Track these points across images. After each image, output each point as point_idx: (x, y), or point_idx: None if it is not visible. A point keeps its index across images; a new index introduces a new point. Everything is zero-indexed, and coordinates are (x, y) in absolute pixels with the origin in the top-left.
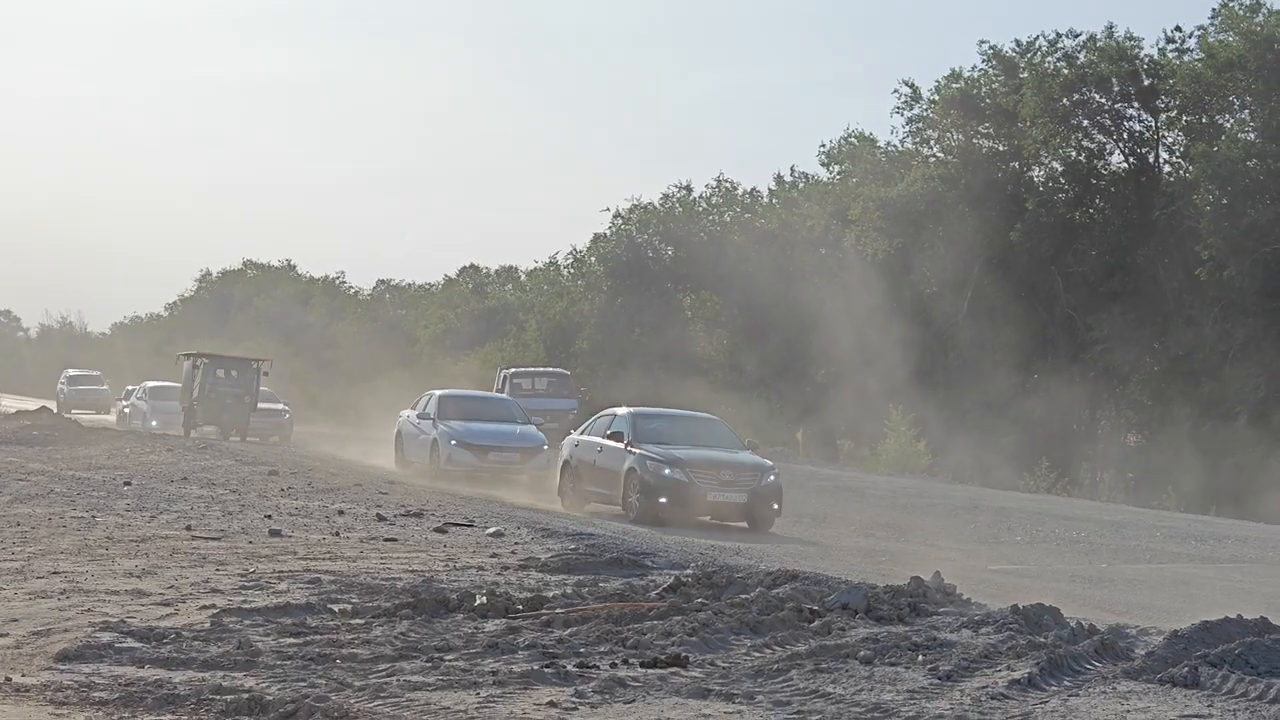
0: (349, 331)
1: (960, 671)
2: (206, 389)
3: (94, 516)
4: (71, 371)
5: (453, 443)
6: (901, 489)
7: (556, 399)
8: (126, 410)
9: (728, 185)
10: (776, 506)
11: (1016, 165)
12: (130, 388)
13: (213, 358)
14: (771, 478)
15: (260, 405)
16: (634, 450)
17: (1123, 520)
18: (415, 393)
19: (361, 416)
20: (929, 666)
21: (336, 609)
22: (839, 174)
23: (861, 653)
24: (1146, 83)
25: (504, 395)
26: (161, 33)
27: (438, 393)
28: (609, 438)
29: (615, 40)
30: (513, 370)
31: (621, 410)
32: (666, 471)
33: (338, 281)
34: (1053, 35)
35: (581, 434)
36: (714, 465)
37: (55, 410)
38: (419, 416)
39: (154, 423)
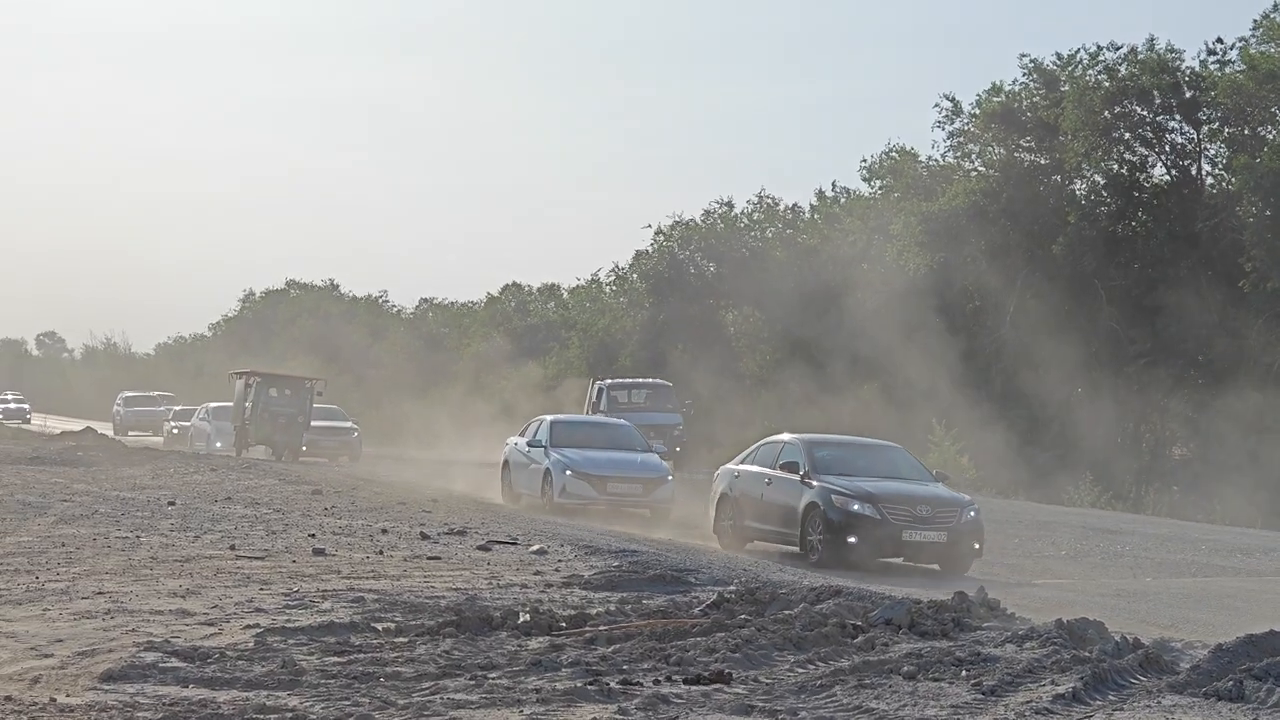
0: (392, 350)
1: (1004, 686)
2: (259, 408)
3: (138, 537)
4: (128, 393)
5: (568, 473)
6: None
7: (658, 413)
8: (175, 431)
9: (769, 201)
10: (977, 546)
11: (1058, 179)
12: (177, 408)
13: (265, 376)
14: (972, 514)
15: (328, 424)
16: (813, 482)
17: (1168, 534)
18: (461, 410)
19: (427, 435)
20: (973, 682)
21: (380, 627)
22: (880, 189)
23: (905, 668)
24: (1188, 95)
25: (622, 420)
26: (205, 50)
27: (549, 418)
28: (782, 468)
29: (656, 57)
30: (609, 382)
31: (791, 437)
32: (856, 507)
33: (380, 300)
34: (1093, 48)
35: (742, 464)
36: (908, 500)
37: (111, 433)
38: (529, 444)
39: (218, 444)
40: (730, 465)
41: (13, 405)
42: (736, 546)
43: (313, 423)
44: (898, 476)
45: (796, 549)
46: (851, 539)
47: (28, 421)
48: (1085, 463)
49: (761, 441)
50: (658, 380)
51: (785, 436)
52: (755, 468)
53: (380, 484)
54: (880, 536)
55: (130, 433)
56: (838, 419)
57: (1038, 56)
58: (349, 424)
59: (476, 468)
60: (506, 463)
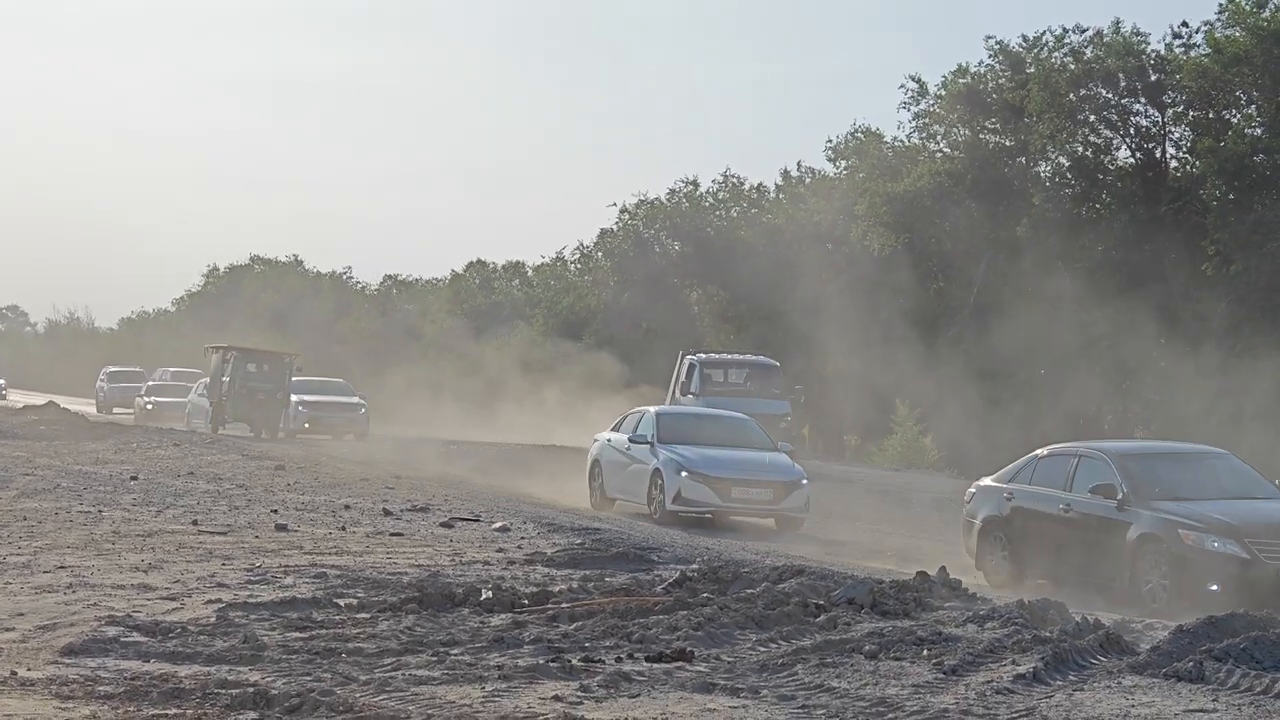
0: (356, 326)
1: (965, 666)
2: (236, 384)
3: (100, 511)
4: (111, 368)
5: (683, 475)
6: (907, 484)
7: (762, 399)
8: (149, 406)
9: (734, 180)
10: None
11: (1023, 160)
12: (151, 382)
13: (243, 351)
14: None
15: (333, 399)
16: (1143, 510)
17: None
18: (427, 389)
19: (409, 413)
20: (934, 661)
21: (342, 603)
22: (845, 169)
23: (866, 647)
24: (1153, 78)
25: (740, 415)
26: (168, 28)
27: (653, 409)
28: (1096, 491)
29: (622, 36)
30: (703, 357)
31: (1102, 446)
32: (1216, 545)
33: (345, 277)
34: (1059, 31)
35: (1014, 481)
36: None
37: (95, 410)
38: (631, 440)
39: (305, 424)
40: (986, 481)
41: None
42: (1010, 584)
43: (316, 398)
44: (1240, 494)
45: (1107, 587)
46: (1214, 586)
47: (4, 398)
48: (1048, 444)
49: (1034, 455)
50: (762, 357)
51: (1085, 446)
52: (1041, 488)
53: (342, 460)
54: (1252, 582)
55: (115, 410)
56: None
57: (1004, 38)
58: (356, 399)
59: (534, 457)
60: (596, 462)
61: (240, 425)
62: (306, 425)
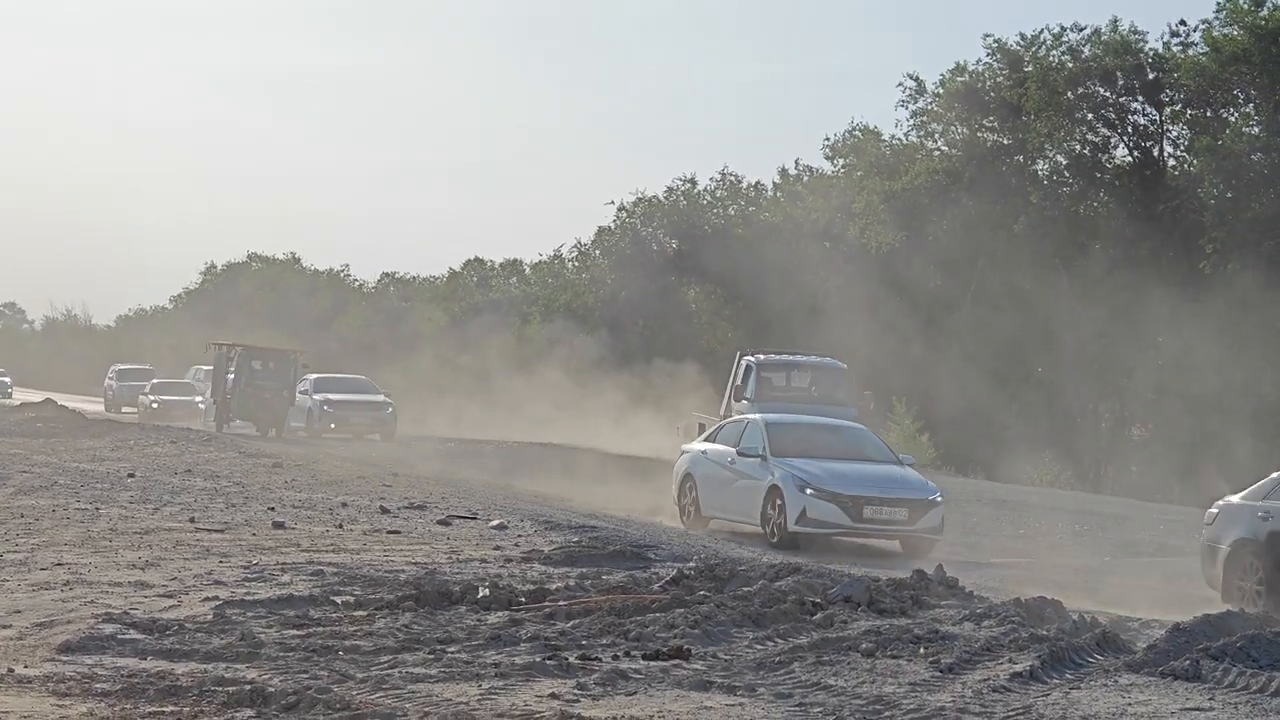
0: (353, 324)
1: (962, 664)
2: (241, 382)
3: (97, 508)
4: (120, 366)
5: (808, 492)
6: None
7: (828, 405)
8: (155, 405)
9: (732, 178)
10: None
11: (1021, 159)
12: (155, 380)
13: (248, 348)
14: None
15: (357, 397)
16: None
17: (1126, 513)
18: (424, 387)
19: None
20: (931, 659)
21: (339, 601)
22: (843, 167)
23: (863, 645)
24: (1151, 76)
25: (858, 425)
26: (166, 25)
27: (762, 418)
28: None
29: (620, 34)
30: (761, 358)
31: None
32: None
33: (342, 274)
34: (1057, 29)
35: (1270, 498)
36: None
37: (104, 409)
38: (741, 453)
39: (331, 425)
40: (1233, 498)
41: None
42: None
43: (340, 396)
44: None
45: None
46: None
47: (9, 396)
48: (1045, 442)
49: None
50: (827, 359)
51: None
52: None
53: (338, 458)
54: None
55: (124, 409)
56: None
57: (1002, 37)
58: (381, 397)
59: (615, 467)
60: (689, 476)
61: (245, 426)
62: (332, 425)
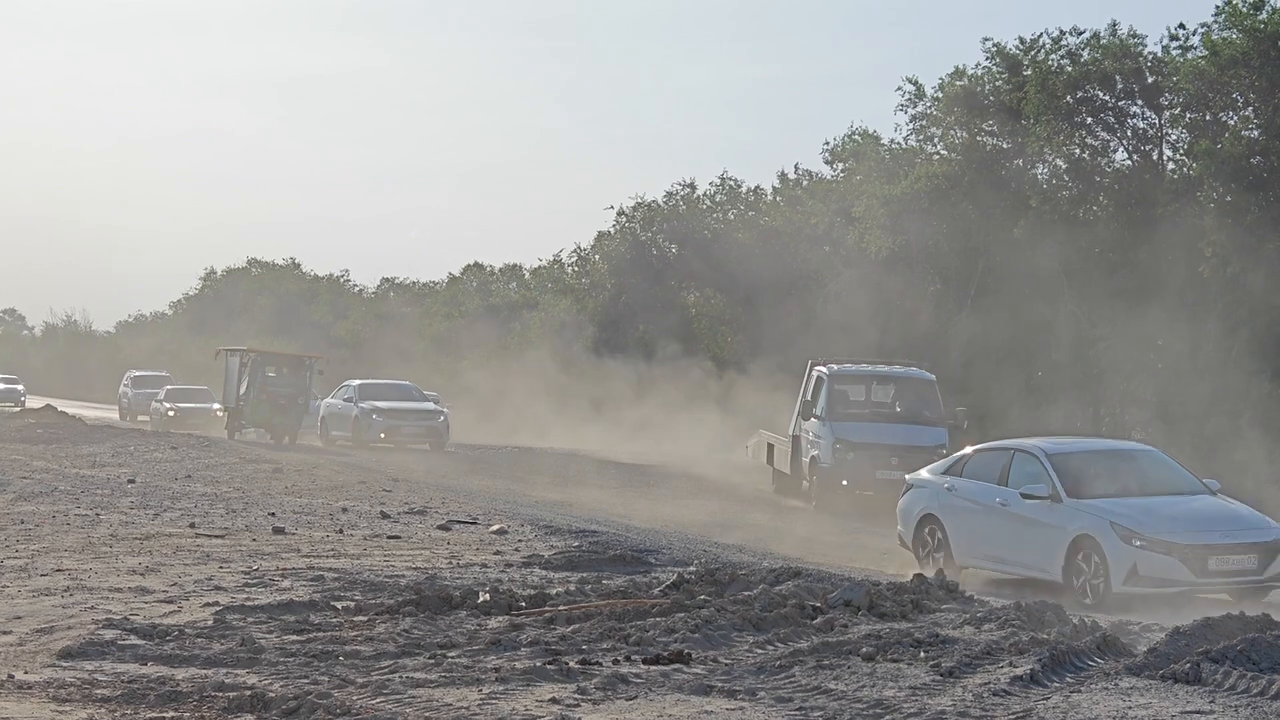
0: (353, 330)
1: (962, 668)
2: (255, 389)
3: (98, 514)
4: (135, 372)
5: (1136, 543)
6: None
7: (914, 425)
8: (171, 413)
9: (731, 183)
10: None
11: (1020, 163)
12: (169, 387)
13: (261, 354)
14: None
15: (407, 405)
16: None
17: None
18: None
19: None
20: (931, 663)
21: (340, 606)
22: (842, 171)
23: (864, 649)
24: (1150, 80)
25: (1150, 448)
26: (164, 27)
27: (1039, 448)
28: None
29: (619, 36)
30: (834, 369)
31: None
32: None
33: (342, 280)
34: (1056, 33)
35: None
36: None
37: (118, 417)
38: (1024, 495)
39: (380, 434)
40: None
41: (2, 387)
42: None
43: (390, 404)
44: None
45: None
46: None
47: (21, 405)
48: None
49: None
50: (913, 369)
51: None
52: None
53: (338, 464)
54: None
55: (140, 418)
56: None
57: (1000, 41)
58: (432, 404)
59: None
60: (930, 517)
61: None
62: (382, 435)
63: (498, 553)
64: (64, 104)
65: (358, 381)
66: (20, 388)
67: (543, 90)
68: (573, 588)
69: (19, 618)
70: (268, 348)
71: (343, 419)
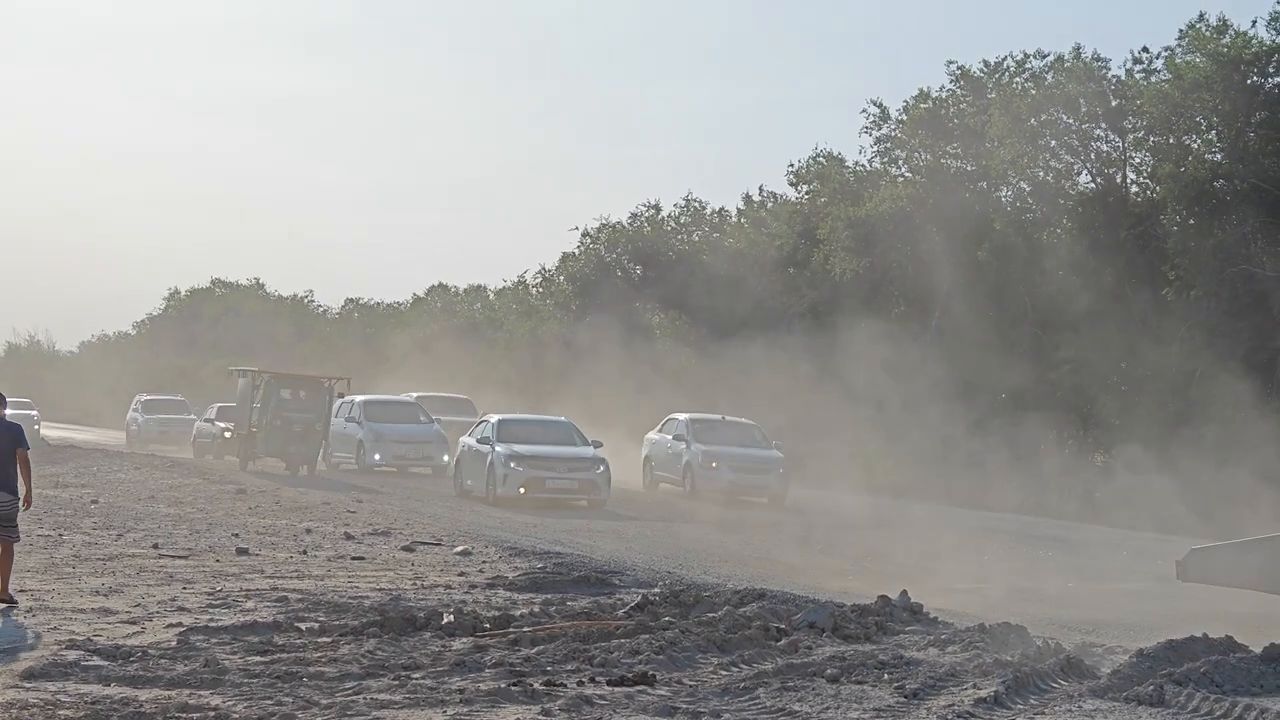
0: (318, 350)
1: (926, 690)
2: (269, 414)
3: (60, 535)
4: (146, 396)
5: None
6: (864, 508)
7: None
8: (166, 431)
9: (696, 204)
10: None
11: (984, 185)
12: (147, 398)
13: (276, 376)
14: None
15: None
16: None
17: (1089, 539)
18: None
19: None
20: (895, 685)
21: (304, 627)
22: (807, 193)
23: (828, 671)
24: (1114, 103)
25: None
26: (127, 45)
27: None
28: None
29: (584, 59)
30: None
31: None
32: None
33: (306, 300)
34: (1020, 56)
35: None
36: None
37: (125, 445)
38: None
39: (376, 455)
40: None
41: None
42: None
43: (532, 450)
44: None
45: None
46: None
47: (35, 429)
48: (1007, 468)
49: None
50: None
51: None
52: None
53: (303, 486)
54: None
55: (152, 447)
56: (761, 421)
57: (965, 63)
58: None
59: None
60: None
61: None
62: (522, 490)
63: (462, 574)
64: (29, 123)
65: (498, 418)
66: (35, 413)
67: (509, 113)
68: (537, 609)
69: None
70: (284, 369)
71: (477, 466)
